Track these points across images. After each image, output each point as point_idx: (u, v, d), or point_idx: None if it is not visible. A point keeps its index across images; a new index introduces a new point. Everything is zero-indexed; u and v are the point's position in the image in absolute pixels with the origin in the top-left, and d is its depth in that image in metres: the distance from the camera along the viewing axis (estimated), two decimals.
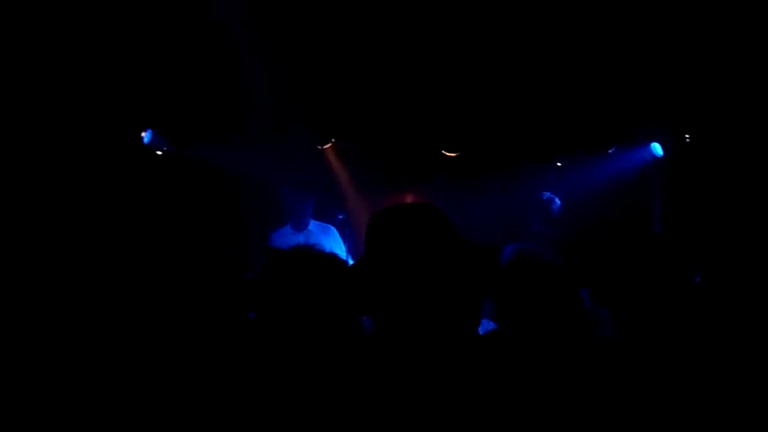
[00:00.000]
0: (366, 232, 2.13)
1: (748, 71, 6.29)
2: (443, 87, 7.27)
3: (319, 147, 7.85)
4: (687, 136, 7.28)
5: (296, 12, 6.53)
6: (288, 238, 6.60)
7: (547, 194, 6.68)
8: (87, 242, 6.22)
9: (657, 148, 7.51)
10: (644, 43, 6.50)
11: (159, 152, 7.22)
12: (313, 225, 6.83)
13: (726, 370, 2.35)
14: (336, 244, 6.68)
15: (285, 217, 6.88)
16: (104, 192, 6.59)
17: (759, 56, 6.15)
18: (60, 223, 6.18)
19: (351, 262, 6.47)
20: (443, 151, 7.98)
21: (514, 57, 6.87)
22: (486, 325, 3.99)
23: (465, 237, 2.12)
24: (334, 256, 2.17)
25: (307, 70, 7.00)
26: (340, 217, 6.85)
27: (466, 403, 1.88)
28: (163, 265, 6.31)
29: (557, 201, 6.64)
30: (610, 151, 7.79)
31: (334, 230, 6.87)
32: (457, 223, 2.16)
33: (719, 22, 6.13)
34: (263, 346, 2.03)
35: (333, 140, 7.87)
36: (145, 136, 7.04)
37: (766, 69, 6.17)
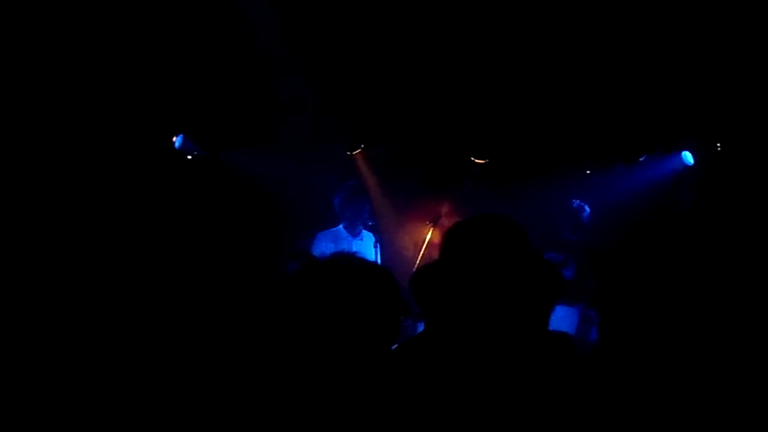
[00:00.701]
0: (443, 239, 2.16)
1: None
2: (473, 94, 7.27)
3: (349, 153, 7.86)
4: (718, 144, 7.22)
5: (328, 19, 6.57)
6: (341, 241, 6.56)
7: (577, 202, 6.66)
8: (117, 244, 6.29)
9: (688, 157, 7.45)
10: (675, 51, 6.47)
11: (189, 157, 7.27)
12: (364, 232, 6.81)
13: (744, 386, 2.35)
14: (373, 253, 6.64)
15: (332, 219, 6.83)
16: (135, 195, 6.65)
17: None
18: (92, 226, 6.24)
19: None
20: (472, 158, 7.97)
21: (546, 65, 6.86)
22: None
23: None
24: (380, 268, 2.15)
25: (338, 77, 7.03)
26: (370, 224, 6.85)
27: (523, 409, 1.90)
28: (190, 268, 6.38)
29: (587, 209, 6.62)
30: (640, 159, 7.75)
31: (373, 239, 6.85)
32: None
33: (749, 31, 6.09)
34: (282, 351, 2.02)
35: (362, 146, 7.87)
36: (177, 140, 7.09)
37: None
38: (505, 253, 2.09)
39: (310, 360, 1.93)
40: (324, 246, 6.53)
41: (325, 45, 6.78)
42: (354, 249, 6.30)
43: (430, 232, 6.80)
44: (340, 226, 6.76)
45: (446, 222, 7.03)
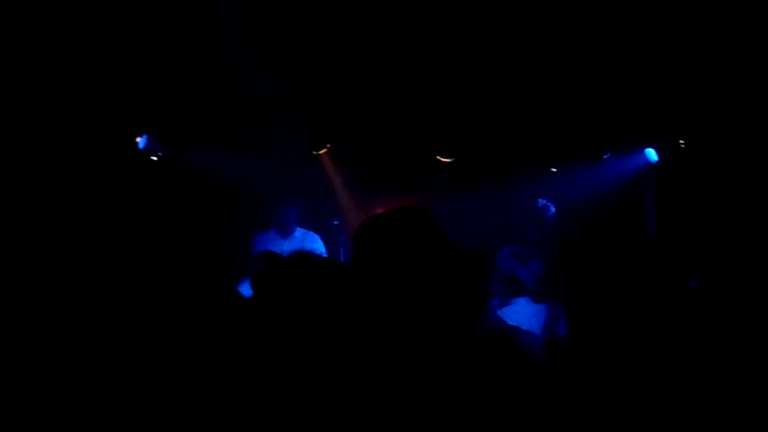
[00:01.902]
0: (354, 236, 2.13)
1: (742, 76, 6.31)
2: (438, 92, 7.27)
3: (314, 152, 7.84)
4: (681, 141, 7.30)
5: (292, 17, 6.53)
6: (272, 243, 6.60)
7: (542, 201, 6.70)
8: (79, 246, 6.20)
9: (651, 154, 7.52)
10: (638, 49, 6.52)
11: (154, 157, 7.21)
12: (298, 232, 6.84)
13: (722, 376, 2.35)
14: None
15: (270, 223, 6.90)
16: (98, 196, 6.57)
17: (752, 62, 6.17)
18: (52, 226, 6.16)
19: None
20: (438, 157, 7.98)
21: (510, 63, 6.88)
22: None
23: (459, 242, 2.12)
24: (335, 262, 2.17)
25: (303, 76, 7.00)
26: (335, 223, 6.85)
27: (455, 405, 1.89)
28: (154, 267, 6.31)
29: (552, 208, 6.66)
30: (604, 157, 7.81)
31: (318, 239, 6.88)
32: (452, 228, 2.16)
33: (713, 28, 6.15)
34: (257, 348, 2.02)
35: (328, 146, 7.86)
36: (140, 141, 7.02)
37: (760, 74, 6.19)
38: (413, 248, 2.05)
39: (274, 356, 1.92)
40: (258, 248, 6.63)
41: (291, 44, 6.74)
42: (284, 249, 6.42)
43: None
44: (272, 230, 6.78)
45: None
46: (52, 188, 6.22)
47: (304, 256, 2.21)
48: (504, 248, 5.75)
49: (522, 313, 4.35)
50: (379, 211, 2.13)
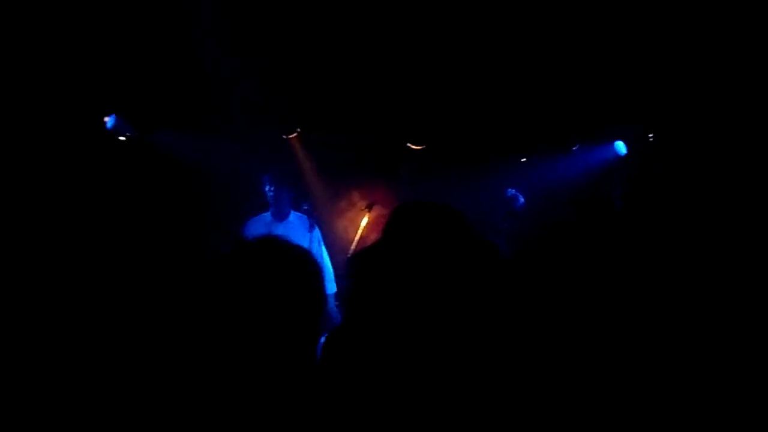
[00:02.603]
0: (387, 221, 2.15)
1: (712, 70, 6.37)
2: (410, 80, 7.27)
3: (285, 137, 7.81)
4: (650, 135, 7.35)
5: (265, 1, 6.49)
6: (267, 227, 6.58)
7: (511, 191, 6.72)
8: (45, 230, 6.14)
9: (620, 147, 7.58)
10: (608, 42, 6.55)
11: (122, 138, 7.13)
12: (293, 216, 6.80)
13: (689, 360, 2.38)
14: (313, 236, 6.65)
15: (264, 206, 6.84)
16: (64, 178, 6.50)
17: (722, 55, 6.23)
18: (18, 207, 6.08)
19: (319, 252, 6.46)
20: (409, 144, 7.99)
21: (481, 53, 6.89)
22: None
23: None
24: (304, 250, 2.14)
25: (274, 60, 6.95)
26: (305, 207, 6.82)
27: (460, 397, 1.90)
28: (124, 251, 6.27)
29: (521, 199, 6.68)
30: (573, 149, 7.85)
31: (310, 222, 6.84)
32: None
33: (683, 21, 6.19)
34: (219, 336, 1.99)
35: (298, 130, 7.83)
36: (109, 120, 6.94)
37: (729, 67, 6.25)
38: (448, 239, 2.08)
39: (235, 345, 1.90)
40: (253, 232, 6.51)
41: (263, 26, 6.70)
42: (279, 232, 6.33)
43: (365, 218, 6.80)
44: (268, 212, 6.74)
45: (381, 207, 7.04)
46: (19, 168, 6.14)
47: (272, 240, 2.18)
48: None
49: None
50: (350, 195, 2.14)
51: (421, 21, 6.61)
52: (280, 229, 6.49)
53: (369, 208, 6.84)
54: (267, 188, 6.69)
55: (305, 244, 6.41)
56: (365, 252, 2.25)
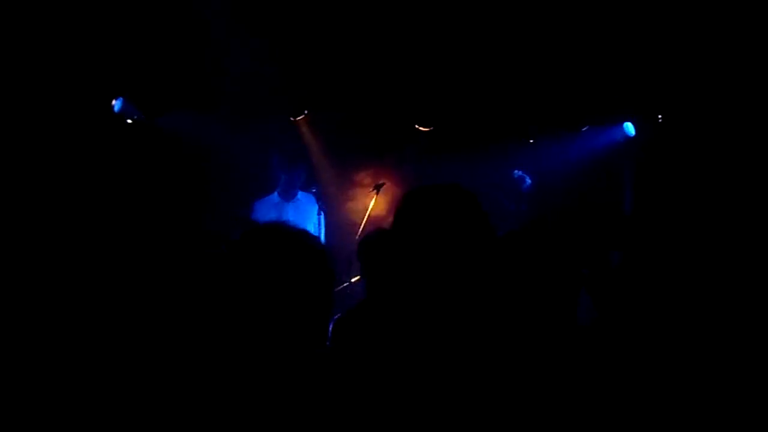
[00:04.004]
0: (398, 208, 2.15)
1: (720, 54, 6.34)
2: (418, 61, 7.25)
3: (292, 119, 7.80)
4: (659, 116, 7.32)
5: None
6: (276, 206, 6.57)
7: (518, 173, 6.71)
8: (55, 212, 6.15)
9: (629, 128, 7.54)
10: (617, 23, 6.52)
11: (129, 120, 7.14)
12: (301, 195, 6.79)
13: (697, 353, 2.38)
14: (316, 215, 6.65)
15: (270, 186, 6.82)
16: (74, 160, 6.51)
17: (730, 40, 6.19)
18: (26, 191, 6.10)
19: (324, 234, 6.46)
20: (417, 126, 7.97)
21: (489, 34, 6.86)
22: None
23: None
24: (309, 235, 2.13)
25: (281, 41, 6.94)
26: (313, 190, 6.81)
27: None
28: (134, 235, 6.29)
29: (528, 180, 6.67)
30: (582, 130, 7.82)
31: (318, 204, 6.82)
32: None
33: (688, 6, 6.16)
34: (229, 327, 1.99)
35: (306, 112, 7.82)
36: (116, 103, 6.95)
37: (737, 52, 6.21)
38: (460, 223, 2.07)
39: (246, 334, 1.91)
40: (261, 214, 6.52)
41: (270, 9, 6.68)
42: (288, 213, 6.31)
43: (373, 200, 6.80)
44: (275, 193, 6.74)
45: (389, 189, 7.03)
46: (27, 153, 6.15)
47: (279, 228, 2.18)
48: None
49: None
50: (358, 178, 2.14)
51: (429, 7, 6.59)
52: (289, 209, 6.48)
53: (377, 189, 6.84)
54: (276, 166, 6.67)
55: (314, 222, 6.43)
56: (376, 239, 2.25)
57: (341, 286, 5.92)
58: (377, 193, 6.81)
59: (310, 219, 6.50)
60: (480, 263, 2.06)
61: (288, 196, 6.71)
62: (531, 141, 8.01)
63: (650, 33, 6.50)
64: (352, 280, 5.82)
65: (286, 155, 6.74)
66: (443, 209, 2.11)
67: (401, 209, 2.16)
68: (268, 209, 6.58)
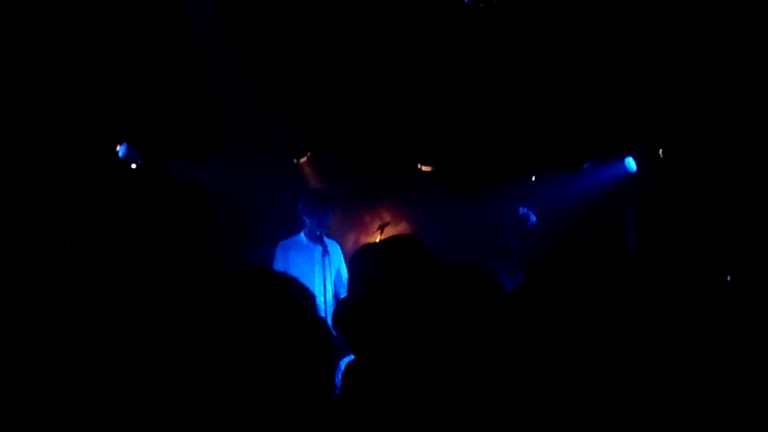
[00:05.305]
0: (350, 265, 2.17)
1: (720, 87, 6.37)
2: (420, 101, 7.29)
3: (295, 161, 7.82)
4: (660, 151, 7.34)
5: (273, 25, 6.53)
6: (304, 248, 6.33)
7: (523, 209, 6.70)
8: (59, 253, 6.17)
9: (630, 164, 7.56)
10: (617, 60, 6.57)
11: (134, 165, 7.17)
12: (326, 240, 6.56)
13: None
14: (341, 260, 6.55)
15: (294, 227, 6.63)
16: (79, 204, 6.54)
17: (730, 73, 6.23)
18: (32, 232, 6.12)
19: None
20: (419, 165, 8.00)
21: (490, 74, 6.91)
22: None
23: (441, 251, 2.14)
24: (296, 281, 2.13)
25: (285, 85, 7.00)
26: (317, 233, 6.75)
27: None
28: (134, 277, 6.28)
29: (533, 217, 6.66)
30: (584, 167, 7.84)
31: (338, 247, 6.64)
32: (433, 237, 2.19)
33: (690, 39, 6.21)
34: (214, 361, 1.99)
35: (309, 154, 7.84)
36: (120, 149, 6.99)
37: (737, 84, 6.25)
38: (414, 273, 2.09)
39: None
40: (291, 255, 6.30)
41: (272, 52, 6.74)
42: (318, 254, 6.13)
43: (378, 239, 6.80)
44: (301, 234, 6.49)
45: (394, 228, 7.04)
46: (30, 195, 6.18)
47: (263, 271, 2.20)
48: (489, 261, 5.75)
49: None
50: (361, 218, 2.17)
51: (431, 43, 6.64)
52: (318, 250, 6.26)
53: (381, 229, 6.85)
54: (304, 206, 6.41)
55: (341, 265, 6.33)
56: (344, 304, 2.27)
57: None
58: (381, 233, 6.82)
59: (341, 263, 6.36)
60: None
61: (315, 237, 6.42)
62: (533, 178, 8.03)
63: (650, 68, 6.55)
64: None
65: (315, 194, 6.58)
66: (391, 264, 2.13)
67: (351, 266, 2.18)
68: (296, 250, 6.37)
